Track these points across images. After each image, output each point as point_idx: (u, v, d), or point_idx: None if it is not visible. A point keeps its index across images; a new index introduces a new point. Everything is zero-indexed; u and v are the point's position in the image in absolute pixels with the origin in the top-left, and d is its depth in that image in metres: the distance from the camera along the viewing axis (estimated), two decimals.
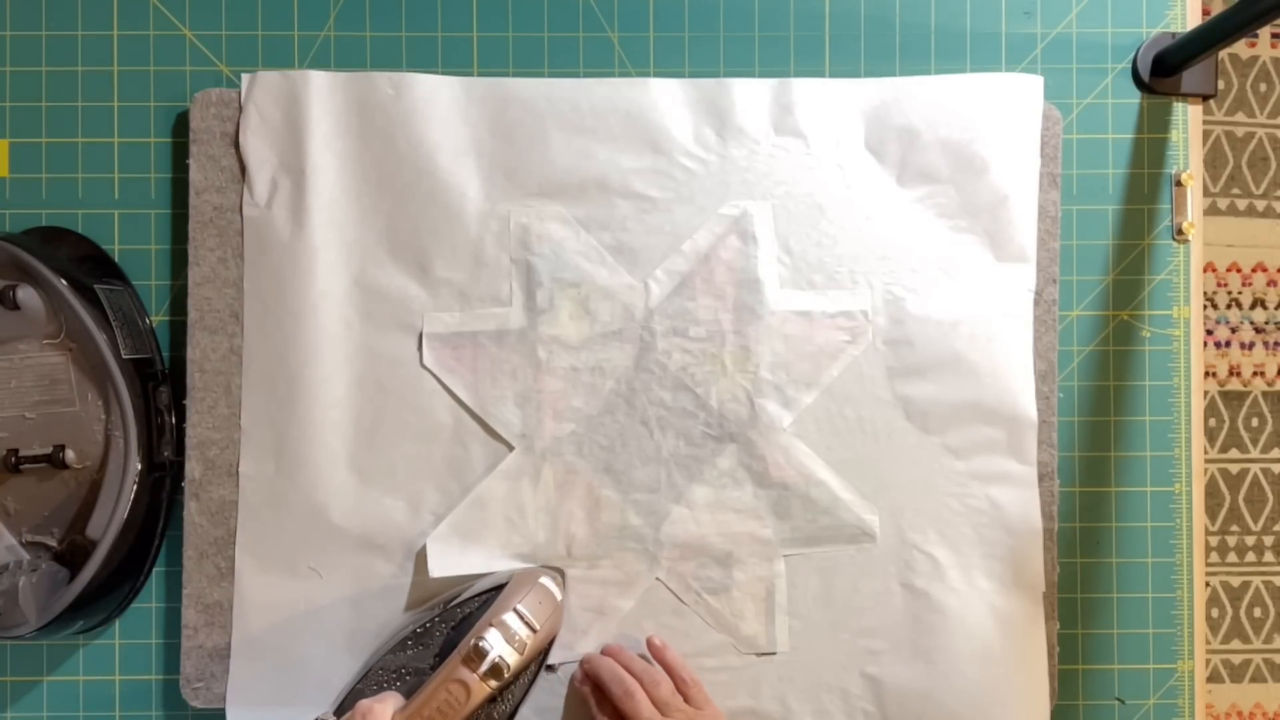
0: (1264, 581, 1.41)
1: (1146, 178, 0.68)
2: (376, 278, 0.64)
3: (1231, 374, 1.41)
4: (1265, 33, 1.40)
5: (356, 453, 0.64)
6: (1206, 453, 1.27)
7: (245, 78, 0.64)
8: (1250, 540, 1.41)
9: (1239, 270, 1.41)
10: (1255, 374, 1.41)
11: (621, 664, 0.59)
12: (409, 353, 0.64)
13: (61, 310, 0.61)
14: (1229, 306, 1.41)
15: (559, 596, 0.59)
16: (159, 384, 0.64)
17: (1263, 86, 1.40)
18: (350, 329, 0.64)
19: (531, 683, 0.57)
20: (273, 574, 0.63)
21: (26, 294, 0.60)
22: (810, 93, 0.65)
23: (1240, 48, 1.39)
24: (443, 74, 0.65)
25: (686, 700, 0.58)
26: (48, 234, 0.65)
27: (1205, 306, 1.39)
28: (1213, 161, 1.40)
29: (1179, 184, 0.68)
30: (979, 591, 0.64)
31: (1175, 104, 0.68)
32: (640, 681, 0.57)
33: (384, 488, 0.64)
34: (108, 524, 0.60)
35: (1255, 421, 1.41)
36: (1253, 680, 1.40)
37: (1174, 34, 0.68)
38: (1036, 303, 0.66)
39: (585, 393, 0.64)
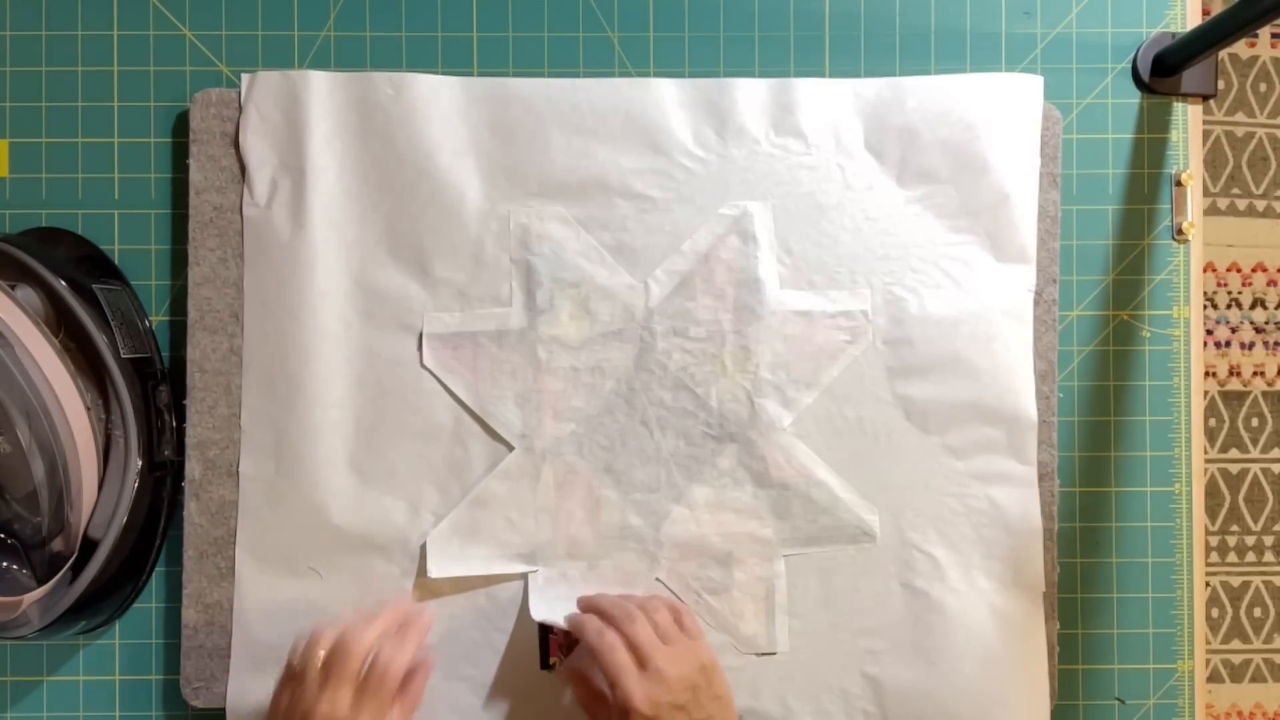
0: (1264, 581, 1.41)
1: (1146, 178, 0.68)
2: (376, 278, 0.64)
3: (1231, 374, 1.41)
4: (1265, 33, 1.40)
5: (356, 453, 0.64)
6: (1206, 453, 1.27)
7: (245, 78, 0.64)
8: (1250, 540, 1.41)
9: (1239, 270, 1.41)
10: (1255, 374, 1.41)
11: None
12: (409, 353, 0.64)
13: (60, 310, 0.61)
14: (1229, 306, 1.41)
15: None
16: (159, 383, 0.64)
17: (1263, 86, 1.40)
18: (350, 329, 0.64)
19: None
20: (273, 574, 0.63)
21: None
22: (810, 93, 0.65)
23: (1240, 48, 1.39)
24: (443, 74, 0.66)
25: (682, 629, 0.58)
26: (45, 234, 0.65)
27: (1205, 306, 1.39)
28: (1213, 161, 1.40)
29: (1179, 184, 0.68)
30: (979, 591, 0.64)
31: (1175, 104, 0.68)
32: (643, 609, 0.57)
33: (384, 488, 0.64)
34: (109, 524, 0.60)
35: (1255, 421, 1.41)
36: (1253, 680, 1.41)
37: (1174, 34, 0.68)
38: (1036, 303, 0.66)
39: (585, 393, 0.64)
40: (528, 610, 0.62)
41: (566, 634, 0.63)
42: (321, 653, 0.53)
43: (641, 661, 0.54)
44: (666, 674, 0.54)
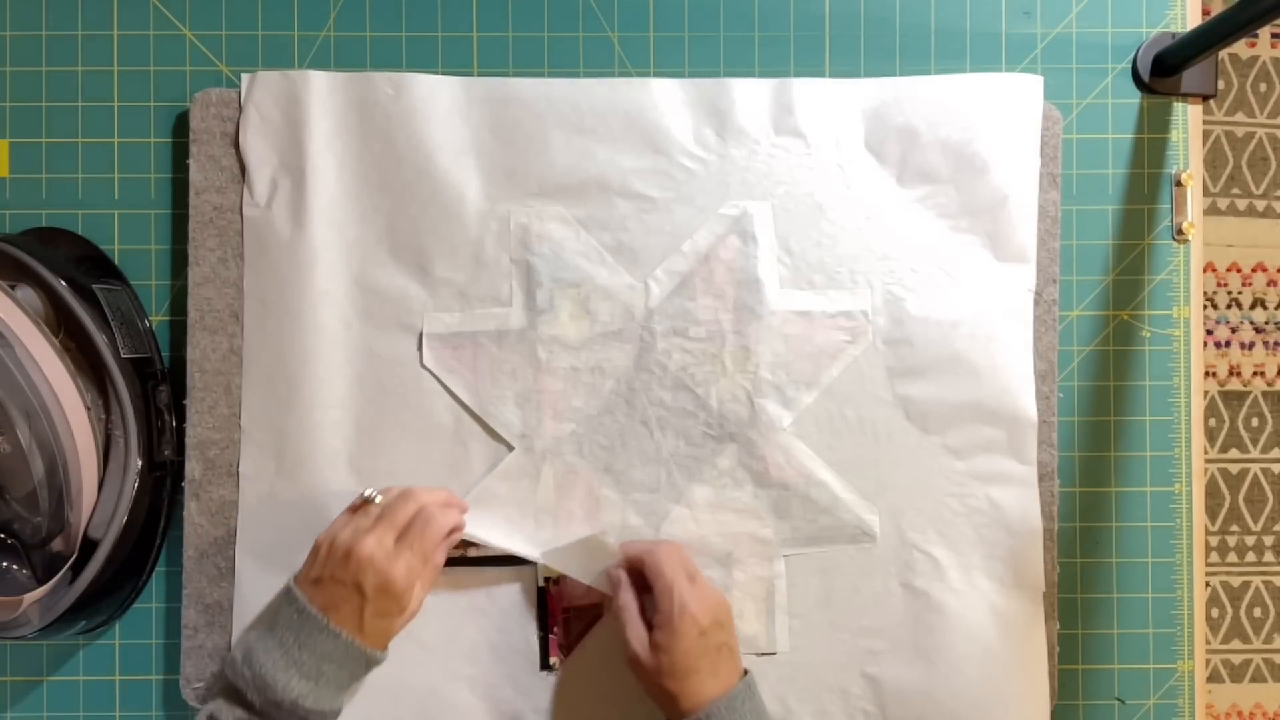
0: (1264, 581, 1.41)
1: (1146, 178, 0.68)
2: (376, 278, 0.64)
3: (1231, 374, 1.41)
4: (1265, 33, 1.40)
5: (356, 453, 0.64)
6: (1206, 453, 1.27)
7: (245, 78, 0.64)
8: (1250, 540, 1.41)
9: (1239, 270, 1.41)
10: (1255, 374, 1.41)
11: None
12: (409, 353, 0.64)
13: (60, 310, 0.61)
14: (1229, 306, 1.41)
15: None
16: (159, 383, 0.64)
17: (1263, 86, 1.40)
18: (350, 329, 0.64)
19: None
20: (273, 574, 0.63)
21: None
22: (810, 93, 0.65)
23: (1240, 48, 1.39)
24: (443, 74, 0.66)
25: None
26: (45, 234, 0.65)
27: (1205, 306, 1.39)
28: (1213, 161, 1.40)
29: (1179, 184, 0.68)
30: (979, 591, 0.64)
31: (1175, 104, 0.68)
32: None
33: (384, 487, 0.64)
34: (109, 524, 0.60)
35: (1255, 421, 1.41)
36: (1253, 680, 1.41)
37: (1174, 34, 0.68)
38: (1036, 303, 0.66)
39: (585, 393, 0.64)
40: (528, 610, 0.62)
41: (566, 634, 0.63)
42: (382, 498, 0.58)
43: (690, 577, 0.58)
44: (709, 594, 0.58)
